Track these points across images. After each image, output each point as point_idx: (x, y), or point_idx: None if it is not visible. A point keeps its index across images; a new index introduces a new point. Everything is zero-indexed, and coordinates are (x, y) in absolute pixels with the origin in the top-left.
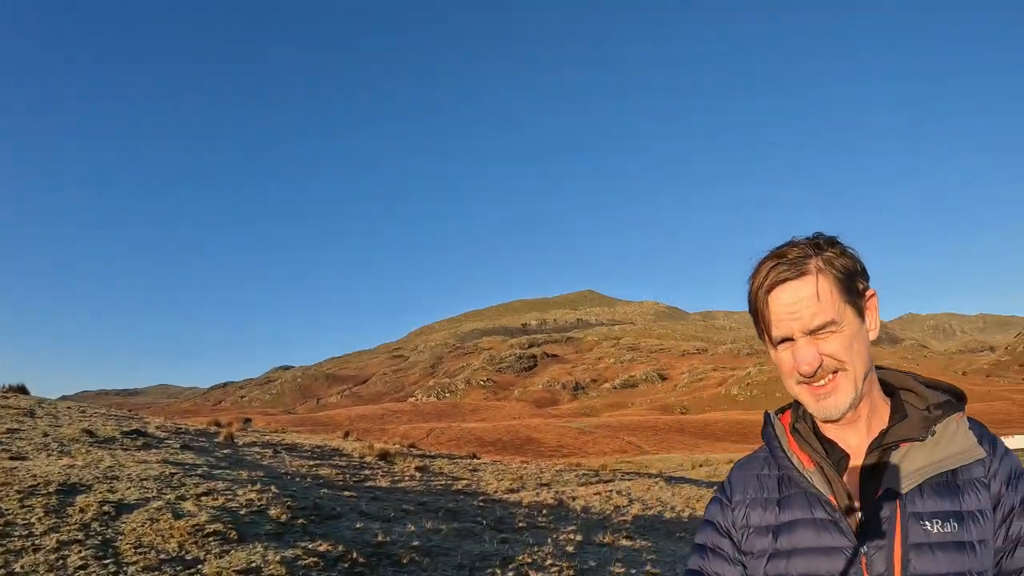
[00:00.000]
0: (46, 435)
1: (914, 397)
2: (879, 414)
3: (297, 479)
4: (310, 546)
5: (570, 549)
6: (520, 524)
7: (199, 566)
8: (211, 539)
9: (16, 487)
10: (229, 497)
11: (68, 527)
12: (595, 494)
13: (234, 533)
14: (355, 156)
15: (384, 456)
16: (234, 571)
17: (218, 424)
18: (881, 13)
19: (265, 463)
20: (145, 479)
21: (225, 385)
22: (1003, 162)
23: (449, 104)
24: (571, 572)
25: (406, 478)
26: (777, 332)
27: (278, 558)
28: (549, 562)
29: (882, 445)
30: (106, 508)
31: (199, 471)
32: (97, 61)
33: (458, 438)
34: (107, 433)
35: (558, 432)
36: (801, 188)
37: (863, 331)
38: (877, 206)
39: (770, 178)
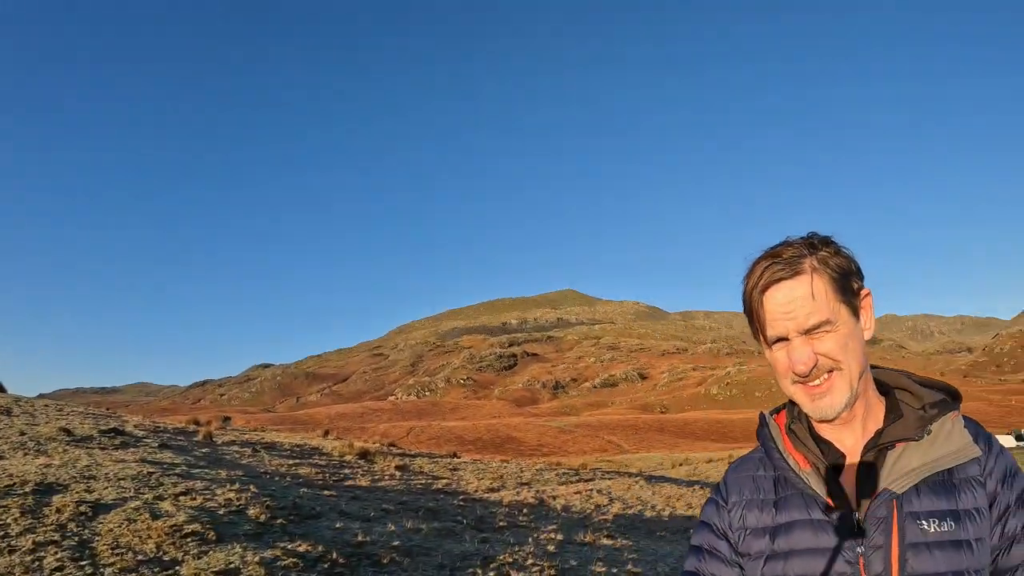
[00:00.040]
0: (23, 434)
1: (909, 396)
2: (874, 414)
3: (276, 478)
4: (289, 546)
5: (551, 548)
6: (501, 523)
7: (177, 567)
8: (189, 540)
9: None
10: (208, 497)
11: (44, 528)
12: (575, 493)
13: (212, 533)
14: (335, 155)
15: (364, 455)
16: (212, 572)
17: (197, 423)
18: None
19: (244, 462)
20: (123, 479)
21: (204, 383)
22: (984, 167)
23: (431, 103)
24: (552, 572)
25: (386, 477)
26: (772, 332)
27: (257, 559)
28: (530, 562)
29: (878, 445)
30: (83, 508)
31: (177, 470)
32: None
33: (438, 437)
34: (85, 432)
35: (538, 431)
36: (783, 189)
37: (858, 330)
38: (857, 208)
39: (752, 179)
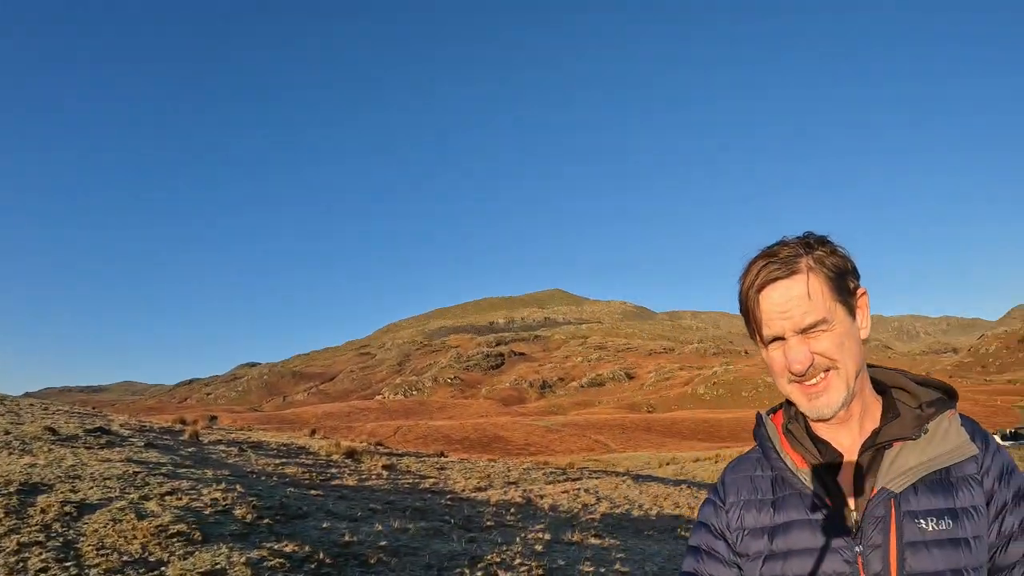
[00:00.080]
0: (7, 433)
1: (906, 395)
2: (871, 413)
3: (263, 478)
4: (276, 547)
5: (539, 548)
6: (488, 523)
7: (162, 568)
8: (175, 540)
9: None
10: (194, 497)
11: (29, 528)
12: (563, 492)
13: (198, 534)
14: (322, 153)
15: (351, 454)
16: (198, 573)
17: (183, 422)
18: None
19: (231, 462)
20: (108, 478)
21: (191, 382)
22: (970, 169)
23: (417, 102)
24: (540, 571)
25: (373, 476)
26: (768, 331)
27: (243, 559)
28: (518, 561)
29: (875, 444)
30: (68, 508)
31: (163, 470)
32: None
33: (425, 436)
34: (70, 431)
35: (525, 430)
36: (770, 189)
37: (854, 329)
38: (843, 208)
39: (739, 179)
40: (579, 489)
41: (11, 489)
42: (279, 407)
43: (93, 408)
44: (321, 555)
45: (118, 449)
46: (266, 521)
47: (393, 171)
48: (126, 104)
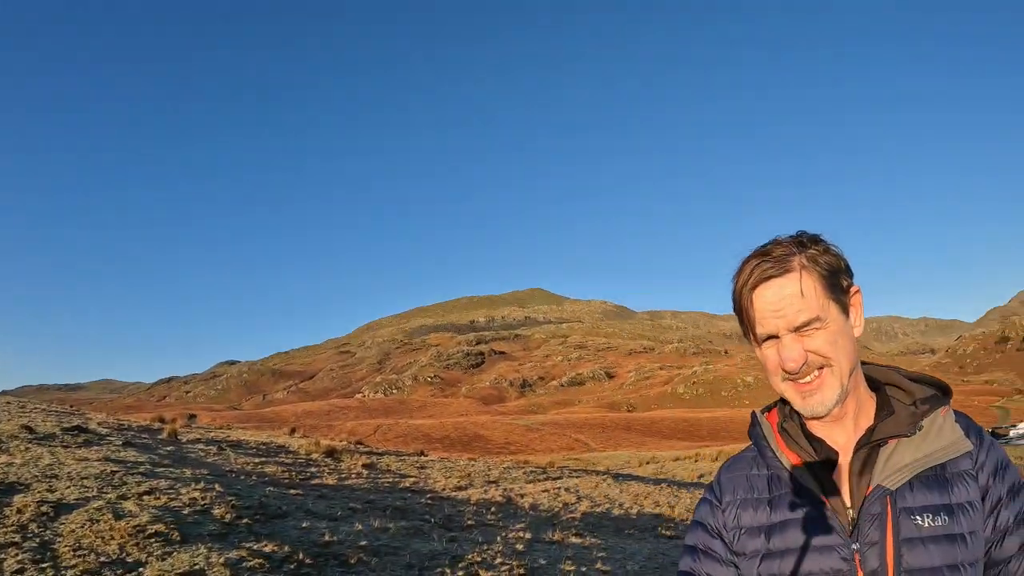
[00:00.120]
0: None
1: (900, 392)
2: (866, 410)
3: (242, 477)
4: (255, 547)
5: (520, 547)
6: (469, 522)
7: (140, 569)
8: (153, 540)
9: None
10: (172, 496)
11: (5, 529)
12: (543, 491)
13: (177, 534)
14: (301, 152)
15: (331, 453)
16: (176, 574)
17: (162, 420)
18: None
19: (209, 461)
20: (85, 478)
21: (169, 380)
22: (949, 171)
23: (396, 101)
24: (521, 571)
25: (353, 475)
26: (762, 330)
27: (222, 560)
28: (499, 560)
29: (870, 442)
30: (44, 508)
31: (141, 469)
32: None
33: (405, 435)
34: (47, 429)
35: (505, 429)
36: (750, 189)
37: (848, 327)
38: (823, 208)
39: (720, 179)
40: (559, 488)
41: None
42: (258, 405)
43: (71, 406)
44: (301, 555)
45: (96, 448)
46: (245, 521)
47: (374, 170)
48: (113, 103)
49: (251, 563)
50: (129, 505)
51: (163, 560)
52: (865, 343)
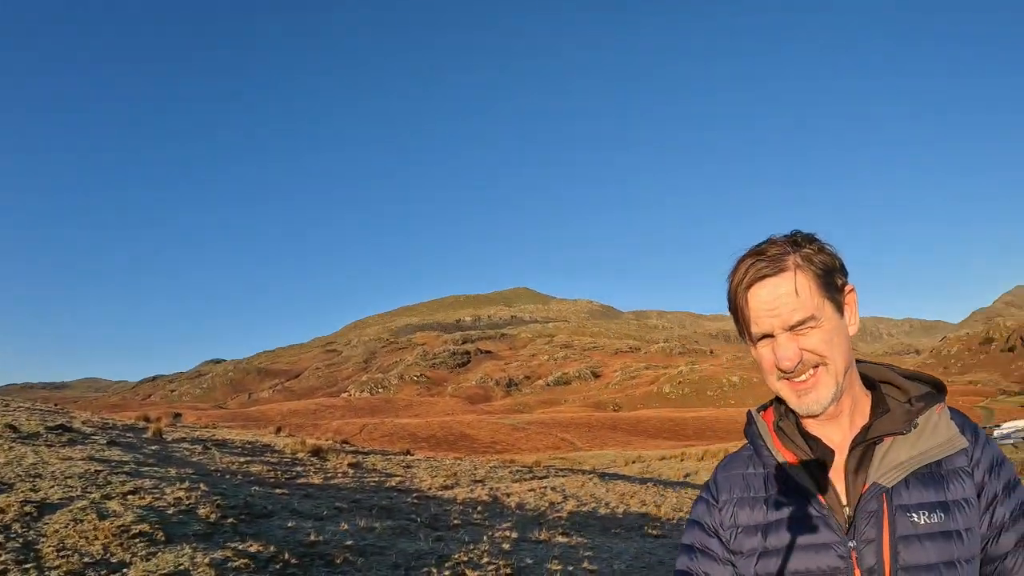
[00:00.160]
0: None
1: (895, 390)
2: (861, 408)
3: (227, 476)
4: (240, 547)
5: (506, 547)
6: (455, 521)
7: (124, 569)
8: (137, 540)
9: None
10: (156, 496)
11: None
12: (529, 490)
13: (161, 534)
14: (286, 150)
15: (317, 452)
16: (161, 574)
17: (147, 419)
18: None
19: (194, 460)
20: (70, 477)
21: (155, 379)
22: (935, 172)
23: (385, 99)
24: (508, 570)
25: (339, 475)
26: (757, 329)
27: (207, 560)
28: (486, 560)
29: (866, 440)
30: (28, 508)
31: (126, 468)
32: None
33: (391, 434)
34: (31, 428)
35: (491, 428)
36: (736, 189)
37: (842, 326)
38: (808, 208)
39: (706, 179)
40: (546, 487)
41: None
42: (244, 404)
43: (55, 405)
44: (286, 555)
45: (80, 447)
46: (230, 520)
47: (360, 168)
48: (109, 103)
49: (236, 563)
50: (113, 505)
51: (147, 560)
52: (851, 343)
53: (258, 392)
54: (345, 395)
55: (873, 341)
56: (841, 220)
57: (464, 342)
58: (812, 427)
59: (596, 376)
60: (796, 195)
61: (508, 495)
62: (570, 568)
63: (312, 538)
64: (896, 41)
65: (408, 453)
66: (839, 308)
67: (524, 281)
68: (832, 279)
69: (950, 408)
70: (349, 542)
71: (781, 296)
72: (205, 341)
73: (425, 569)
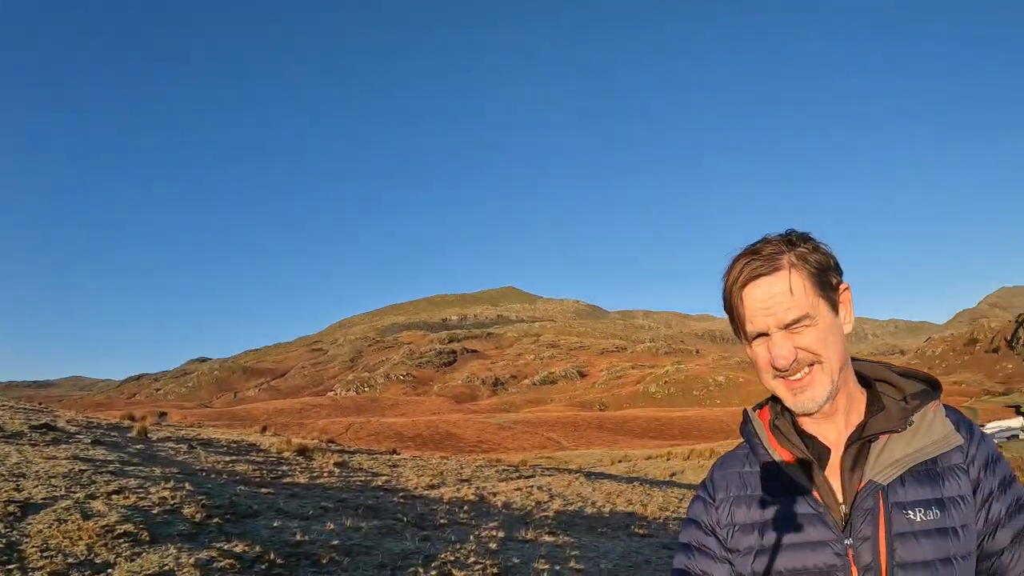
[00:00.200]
0: None
1: (890, 388)
2: (857, 406)
3: (213, 476)
4: (226, 547)
5: (493, 546)
6: (441, 521)
7: (109, 570)
8: (122, 541)
9: None
10: (141, 496)
11: None
12: (516, 490)
13: (146, 534)
14: (273, 149)
15: (302, 451)
16: (145, 575)
17: (132, 418)
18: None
19: (180, 459)
20: (54, 476)
21: (140, 377)
22: (919, 174)
23: (372, 98)
24: (495, 570)
25: (325, 474)
26: (752, 327)
27: (192, 560)
28: (472, 560)
29: (861, 437)
30: (11, 508)
31: (110, 468)
32: None
33: (377, 433)
34: (15, 427)
35: (478, 428)
36: (721, 189)
37: (837, 324)
38: (793, 208)
39: (690, 179)
40: (532, 486)
41: None
42: (230, 403)
43: (39, 404)
44: (272, 555)
45: (64, 446)
46: (216, 520)
47: (347, 168)
48: (94, 101)
49: (222, 563)
50: (98, 505)
51: (132, 561)
52: None
53: (244, 391)
54: (331, 394)
55: (858, 341)
56: (827, 220)
57: (450, 341)
58: (808, 425)
59: (582, 375)
60: (781, 195)
61: (494, 494)
62: (557, 567)
63: (298, 538)
64: (882, 40)
65: (394, 452)
66: (834, 307)
67: (511, 280)
68: (827, 278)
69: (945, 405)
70: (335, 542)
71: (776, 295)
72: (191, 340)
73: (412, 569)
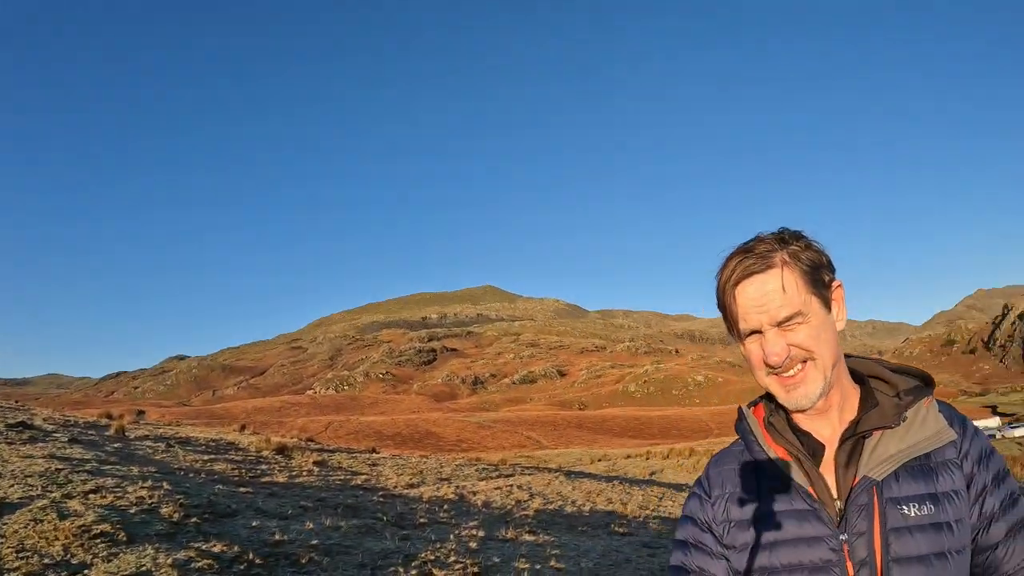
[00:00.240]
0: None
1: (883, 384)
2: (850, 403)
3: (191, 475)
4: (204, 547)
5: (473, 545)
6: (421, 520)
7: (85, 571)
8: (98, 541)
9: None
10: (118, 495)
11: None
12: (496, 489)
13: (123, 534)
14: (254, 148)
15: (281, 450)
16: None
17: (110, 416)
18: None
19: (157, 458)
20: (30, 475)
21: (118, 375)
22: (896, 176)
23: (354, 97)
24: (475, 569)
25: (304, 473)
26: (745, 325)
27: (170, 561)
28: (452, 559)
29: (855, 434)
30: None
31: (87, 467)
32: None
33: (357, 432)
34: None
35: (457, 426)
36: (700, 189)
37: (830, 321)
38: (773, 209)
39: (673, 179)
40: (512, 485)
41: None
42: (208, 402)
43: (16, 402)
44: (251, 555)
45: (41, 445)
46: (194, 520)
47: (327, 167)
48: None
49: (200, 564)
50: (74, 504)
51: (109, 561)
52: None
53: (222, 389)
54: (310, 392)
55: None
56: (805, 221)
57: (430, 340)
58: (802, 422)
59: (562, 375)
60: (760, 196)
61: (474, 493)
62: (537, 566)
63: (277, 537)
64: (857, 39)
65: (374, 451)
66: (826, 304)
67: (491, 279)
68: (819, 275)
69: (938, 401)
70: (314, 541)
71: (769, 293)
72: (169, 337)
73: (392, 568)
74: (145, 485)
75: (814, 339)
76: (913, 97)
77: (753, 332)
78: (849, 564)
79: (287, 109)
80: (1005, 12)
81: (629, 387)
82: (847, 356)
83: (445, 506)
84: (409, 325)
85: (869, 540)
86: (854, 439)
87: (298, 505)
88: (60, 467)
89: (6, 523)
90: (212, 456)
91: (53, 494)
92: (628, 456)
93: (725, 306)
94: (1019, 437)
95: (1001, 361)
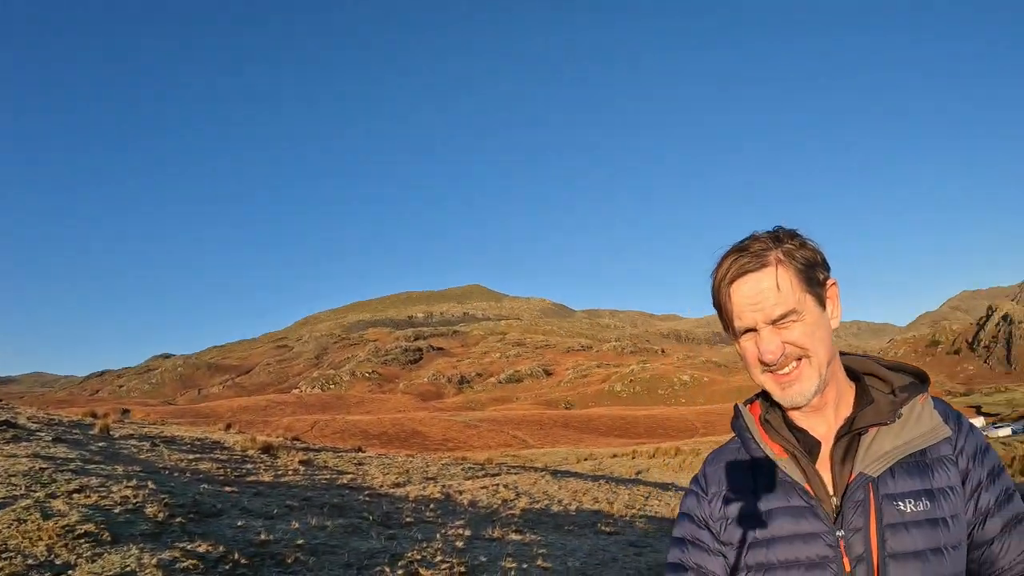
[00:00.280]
0: None
1: (878, 382)
2: (846, 400)
3: (176, 474)
4: (189, 547)
5: (459, 544)
6: (408, 519)
7: (69, 571)
8: (82, 541)
9: None
10: (103, 494)
11: None
12: (482, 488)
13: (107, 534)
14: (240, 146)
15: (267, 449)
16: None
17: (94, 415)
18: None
19: (142, 457)
20: (13, 475)
21: (103, 374)
22: (882, 176)
23: (343, 96)
24: (462, 568)
25: (290, 472)
26: (740, 323)
27: (155, 561)
28: (439, 558)
29: (851, 431)
30: None
31: (72, 466)
32: None
33: (343, 431)
34: None
35: (443, 425)
36: (686, 190)
37: (824, 319)
38: (760, 210)
39: (658, 181)
40: (498, 484)
41: None
42: (194, 400)
43: (0, 400)
44: (236, 555)
45: (24, 444)
46: (179, 520)
47: (313, 165)
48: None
49: (185, 564)
50: (58, 504)
51: (93, 562)
52: None
53: (208, 388)
54: (296, 391)
55: None
56: (791, 221)
57: (416, 339)
58: (798, 419)
59: (548, 374)
60: (746, 196)
61: (461, 492)
62: (524, 566)
63: (262, 537)
64: (848, 37)
65: (360, 450)
66: (821, 302)
67: (477, 278)
68: (814, 274)
69: (933, 398)
70: (300, 541)
71: (763, 291)
72: (154, 336)
73: (378, 568)
74: (130, 484)
75: (808, 337)
76: (913, 97)
77: (748, 330)
78: (846, 560)
79: (276, 108)
80: (1005, 12)
81: (615, 386)
82: (842, 354)
83: (431, 505)
84: (395, 324)
85: (865, 536)
86: (850, 436)
87: (284, 504)
88: (44, 466)
89: None
90: (197, 455)
91: (37, 494)
92: (614, 455)
93: (720, 304)
94: (1003, 437)
95: (985, 362)
